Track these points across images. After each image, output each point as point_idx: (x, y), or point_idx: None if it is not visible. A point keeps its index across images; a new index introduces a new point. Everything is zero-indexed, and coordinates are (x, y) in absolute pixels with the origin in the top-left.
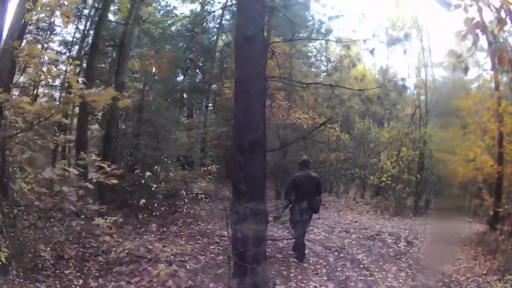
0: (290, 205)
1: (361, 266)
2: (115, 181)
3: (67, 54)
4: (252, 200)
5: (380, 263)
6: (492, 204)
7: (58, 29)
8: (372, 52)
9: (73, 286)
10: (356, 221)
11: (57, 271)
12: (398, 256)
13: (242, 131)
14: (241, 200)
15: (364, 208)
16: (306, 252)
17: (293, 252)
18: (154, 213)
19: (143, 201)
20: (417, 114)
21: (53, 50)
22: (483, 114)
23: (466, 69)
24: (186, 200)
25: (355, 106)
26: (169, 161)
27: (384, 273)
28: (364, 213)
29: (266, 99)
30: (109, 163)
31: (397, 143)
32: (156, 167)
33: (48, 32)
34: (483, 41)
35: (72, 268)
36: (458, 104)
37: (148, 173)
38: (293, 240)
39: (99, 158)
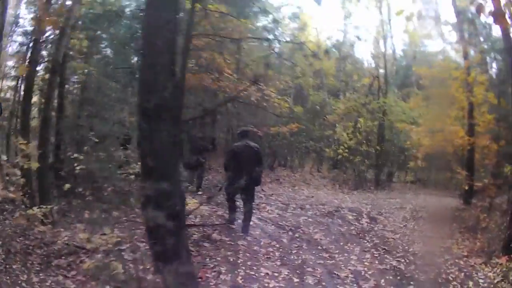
0: (224, 183)
1: (319, 247)
2: (36, 164)
3: None
4: (161, 179)
5: (341, 244)
6: (466, 177)
7: None
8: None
9: (19, 281)
10: (312, 196)
11: (7, 266)
12: (361, 235)
13: (146, 93)
14: (149, 178)
15: (321, 182)
16: (257, 233)
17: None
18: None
19: (67, 186)
20: (375, 85)
21: None
22: (450, 84)
23: None
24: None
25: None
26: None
27: (346, 255)
28: (322, 188)
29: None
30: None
31: (354, 115)
32: (85, 147)
33: None
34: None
35: (18, 262)
36: (421, 73)
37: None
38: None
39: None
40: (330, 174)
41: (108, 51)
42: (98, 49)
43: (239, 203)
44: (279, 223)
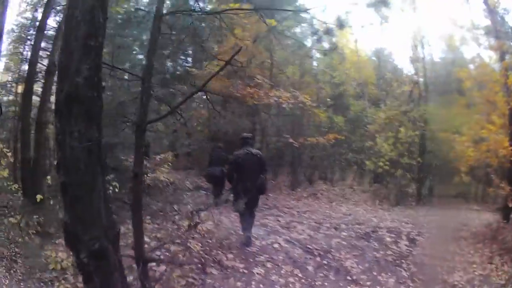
0: (230, 191)
1: (348, 277)
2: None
3: None
4: (76, 202)
5: (374, 273)
6: (509, 193)
7: None
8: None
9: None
10: (350, 214)
11: None
12: (397, 261)
13: (59, 80)
14: (65, 195)
15: (361, 197)
16: (280, 258)
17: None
18: None
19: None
20: (415, 92)
21: None
22: (491, 87)
23: None
24: None
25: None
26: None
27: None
28: (361, 204)
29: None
30: None
31: (395, 124)
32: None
33: None
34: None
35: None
36: (460, 75)
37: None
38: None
39: None
40: (371, 188)
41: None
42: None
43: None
44: (308, 246)
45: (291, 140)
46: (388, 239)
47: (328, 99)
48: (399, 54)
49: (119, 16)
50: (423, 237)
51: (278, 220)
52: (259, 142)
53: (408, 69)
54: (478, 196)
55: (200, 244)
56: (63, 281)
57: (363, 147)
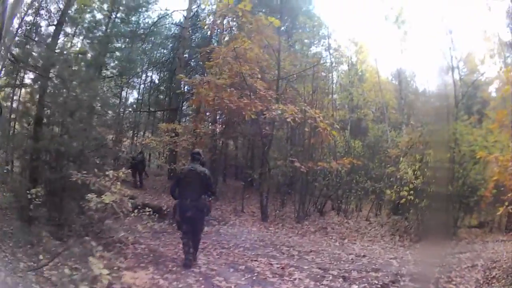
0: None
1: None
2: None
3: None
4: None
5: None
6: None
7: None
8: None
9: None
10: (364, 255)
11: None
12: None
13: None
14: None
15: (378, 231)
16: None
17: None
18: None
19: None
20: (442, 110)
21: None
22: None
23: None
24: None
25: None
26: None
27: None
28: (378, 240)
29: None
30: None
31: (420, 148)
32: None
33: None
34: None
35: None
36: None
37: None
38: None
39: None
40: (389, 220)
41: None
42: None
43: None
44: None
45: (297, 164)
46: None
47: (342, 121)
48: (420, 75)
49: None
50: (453, 283)
51: (271, 264)
52: (259, 164)
53: (431, 89)
54: (501, 224)
55: None
56: None
57: (383, 174)
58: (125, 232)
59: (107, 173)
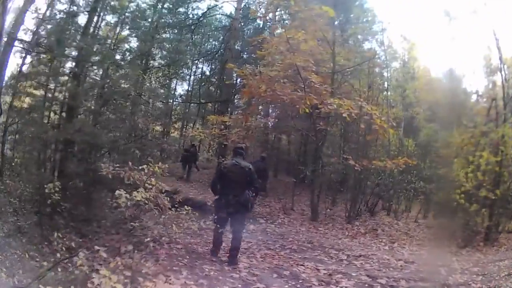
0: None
1: None
2: None
3: None
4: None
5: None
6: None
7: None
8: None
9: None
10: (413, 262)
11: None
12: None
13: None
14: None
15: (425, 234)
16: None
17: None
18: None
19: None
20: (492, 109)
21: None
22: None
23: None
24: None
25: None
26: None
27: None
28: (426, 244)
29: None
30: None
31: (470, 149)
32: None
33: None
34: None
35: None
36: None
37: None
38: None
39: None
40: (435, 221)
41: None
42: None
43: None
44: None
45: (351, 162)
46: None
47: (397, 120)
48: (470, 75)
49: None
50: None
51: (317, 269)
52: (311, 161)
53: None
54: None
55: None
56: None
57: (434, 175)
58: (159, 231)
59: (141, 167)
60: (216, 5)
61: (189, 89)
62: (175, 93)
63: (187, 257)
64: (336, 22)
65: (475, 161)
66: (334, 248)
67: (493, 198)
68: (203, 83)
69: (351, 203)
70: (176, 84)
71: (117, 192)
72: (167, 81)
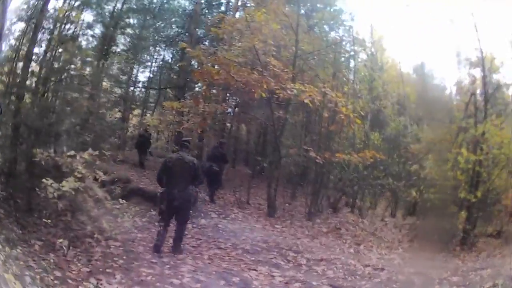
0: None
1: None
2: None
3: None
4: None
5: None
6: None
7: None
8: None
9: None
10: (382, 268)
11: None
12: None
13: None
14: None
15: (394, 235)
16: None
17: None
18: None
19: None
20: (471, 105)
21: None
22: None
23: None
24: None
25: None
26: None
27: None
28: (396, 246)
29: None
30: None
31: (445, 145)
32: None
33: None
34: None
35: None
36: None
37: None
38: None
39: None
40: (404, 221)
41: None
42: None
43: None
44: None
45: (312, 154)
46: None
47: (363, 112)
48: (442, 70)
49: None
50: None
51: (272, 275)
52: (271, 153)
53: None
54: None
55: None
56: None
57: (403, 171)
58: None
59: (68, 153)
60: None
61: (150, 75)
62: (137, 79)
63: (124, 257)
64: (302, 12)
65: (451, 158)
66: (292, 250)
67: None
68: (165, 71)
69: (312, 198)
70: (138, 71)
71: (43, 180)
72: (128, 68)
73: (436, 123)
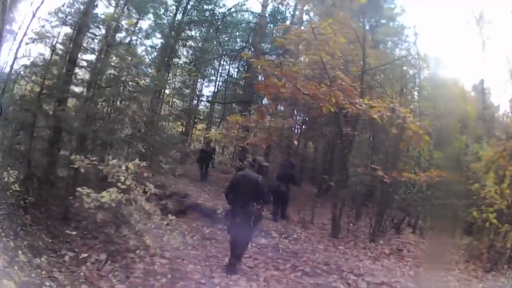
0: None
1: None
2: None
3: None
4: None
5: None
6: None
7: None
8: None
9: None
10: None
11: None
12: None
13: None
14: None
15: (452, 256)
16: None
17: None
18: None
19: None
20: None
21: None
22: None
23: None
24: None
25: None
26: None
27: None
28: (453, 268)
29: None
30: None
31: (502, 163)
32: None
33: None
34: None
35: None
36: None
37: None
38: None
39: None
40: (462, 241)
41: None
42: None
43: None
44: None
45: (380, 173)
46: None
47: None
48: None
49: None
50: None
51: None
52: (337, 171)
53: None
54: None
55: None
56: None
57: (465, 190)
58: (143, 239)
59: (110, 162)
60: (241, 3)
61: (215, 90)
62: (201, 93)
63: (169, 275)
64: (367, 28)
65: (508, 176)
66: (354, 273)
67: None
68: (230, 85)
69: (377, 219)
70: (202, 85)
71: (79, 189)
72: (192, 81)
73: (494, 141)
